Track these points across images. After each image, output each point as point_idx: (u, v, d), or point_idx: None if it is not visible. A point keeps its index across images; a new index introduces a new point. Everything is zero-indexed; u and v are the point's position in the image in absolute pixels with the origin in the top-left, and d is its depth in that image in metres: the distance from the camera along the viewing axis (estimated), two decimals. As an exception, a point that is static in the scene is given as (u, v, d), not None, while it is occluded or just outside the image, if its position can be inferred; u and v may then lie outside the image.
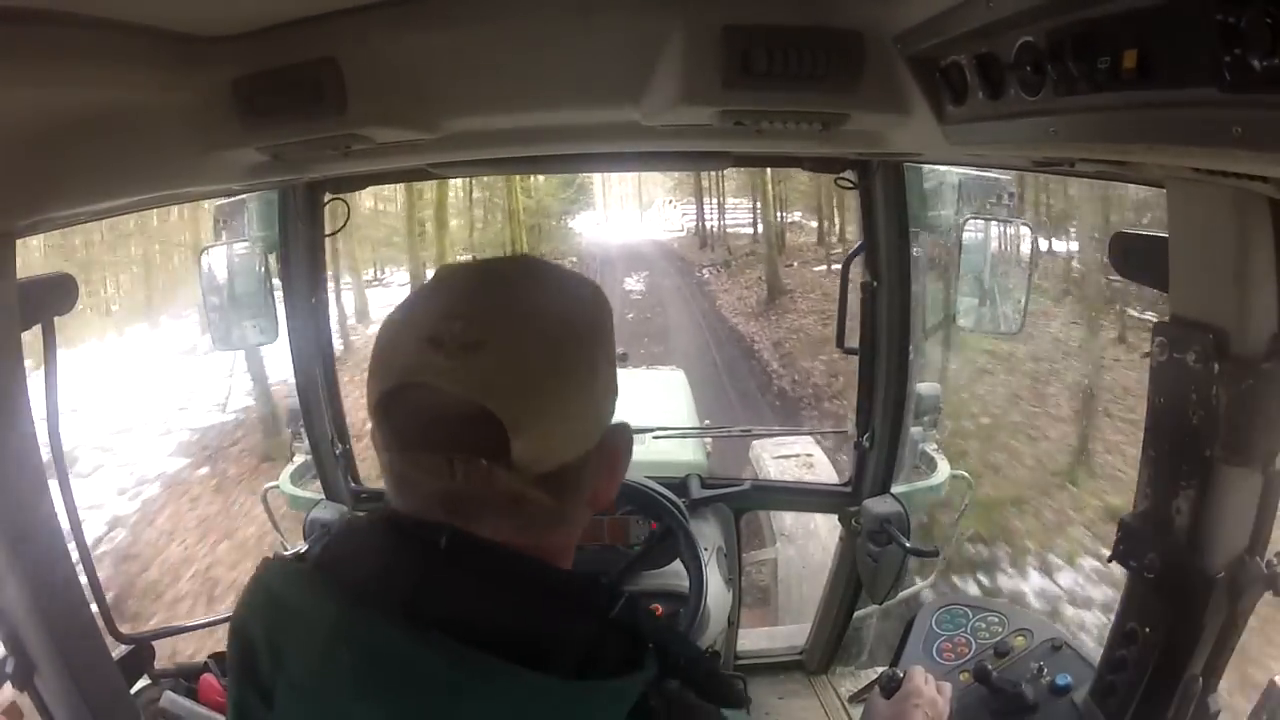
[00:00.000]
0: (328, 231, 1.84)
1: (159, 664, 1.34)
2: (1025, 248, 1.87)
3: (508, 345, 0.51)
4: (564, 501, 0.55)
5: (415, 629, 0.49)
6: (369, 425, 0.56)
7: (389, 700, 0.48)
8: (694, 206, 26.85)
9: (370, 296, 14.42)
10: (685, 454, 2.28)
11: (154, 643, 1.33)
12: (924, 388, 1.97)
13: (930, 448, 2.04)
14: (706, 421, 4.28)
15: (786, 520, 3.81)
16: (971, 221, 1.79)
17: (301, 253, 1.80)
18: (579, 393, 0.53)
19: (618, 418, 0.58)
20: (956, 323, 1.83)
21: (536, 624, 0.51)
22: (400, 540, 0.54)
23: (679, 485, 1.90)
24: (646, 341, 11.43)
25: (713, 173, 12.38)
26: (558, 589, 0.54)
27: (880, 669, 1.77)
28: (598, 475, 0.57)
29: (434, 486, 0.53)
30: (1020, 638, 1.23)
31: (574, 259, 18.13)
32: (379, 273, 16.96)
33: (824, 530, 3.54)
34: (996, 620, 1.29)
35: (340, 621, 0.50)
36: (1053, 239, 9.87)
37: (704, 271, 19.42)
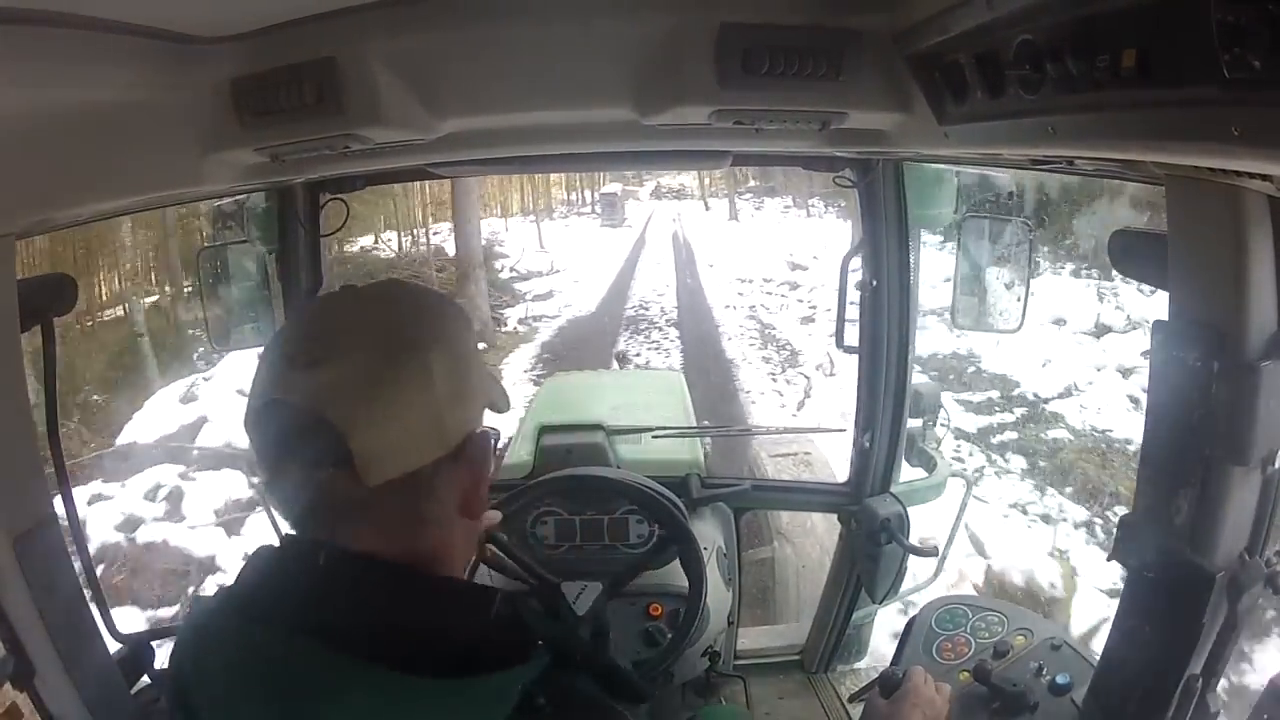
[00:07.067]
0: (326, 232, 1.84)
1: (159, 664, 1.33)
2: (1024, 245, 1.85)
3: (344, 357, 0.55)
4: (421, 508, 0.57)
5: (294, 640, 0.52)
6: None
7: (278, 705, 0.52)
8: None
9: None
10: (684, 454, 2.27)
11: (154, 643, 1.33)
12: (923, 386, 1.97)
13: (930, 446, 2.03)
14: (705, 422, 4.27)
15: (783, 518, 3.79)
16: (970, 219, 1.78)
17: (301, 254, 1.80)
18: (415, 397, 0.55)
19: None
20: (955, 321, 1.82)
21: (411, 628, 0.54)
22: (290, 561, 0.58)
23: (679, 485, 1.90)
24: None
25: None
26: (429, 593, 0.57)
27: (880, 668, 1.77)
28: (459, 482, 0.59)
29: (300, 500, 0.56)
30: (1020, 637, 1.23)
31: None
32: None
33: (821, 528, 3.53)
34: (996, 620, 1.29)
35: (241, 637, 0.55)
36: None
37: None
